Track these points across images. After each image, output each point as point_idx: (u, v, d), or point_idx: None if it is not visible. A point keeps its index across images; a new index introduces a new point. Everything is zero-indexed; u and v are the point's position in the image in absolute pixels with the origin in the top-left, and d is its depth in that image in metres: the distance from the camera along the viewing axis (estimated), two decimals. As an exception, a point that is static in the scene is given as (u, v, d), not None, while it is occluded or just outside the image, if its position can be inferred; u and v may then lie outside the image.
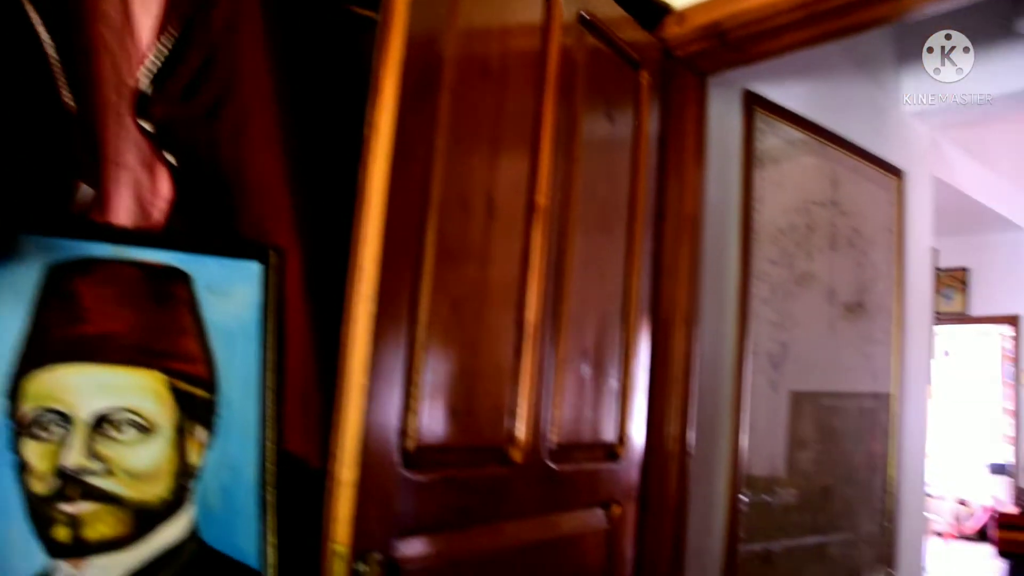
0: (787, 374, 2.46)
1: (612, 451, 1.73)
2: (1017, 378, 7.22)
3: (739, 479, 2.24)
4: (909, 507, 3.07)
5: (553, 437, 1.53)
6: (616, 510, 1.72)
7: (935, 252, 3.52)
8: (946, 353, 12.61)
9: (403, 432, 1.21)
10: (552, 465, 1.52)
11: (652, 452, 1.84)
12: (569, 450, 1.59)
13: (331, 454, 1.15)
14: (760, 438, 2.36)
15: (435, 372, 1.25)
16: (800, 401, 2.56)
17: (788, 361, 2.47)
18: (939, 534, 10.62)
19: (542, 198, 1.49)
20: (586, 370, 1.62)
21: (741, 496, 2.29)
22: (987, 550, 8.72)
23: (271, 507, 1.24)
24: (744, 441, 2.28)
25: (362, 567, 1.12)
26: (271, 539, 1.24)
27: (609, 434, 1.71)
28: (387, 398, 1.18)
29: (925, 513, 3.84)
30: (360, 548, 1.13)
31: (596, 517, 1.68)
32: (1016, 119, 4.03)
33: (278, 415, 1.27)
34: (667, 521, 1.85)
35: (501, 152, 1.42)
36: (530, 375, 1.44)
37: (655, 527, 1.83)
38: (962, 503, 11.29)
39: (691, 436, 1.92)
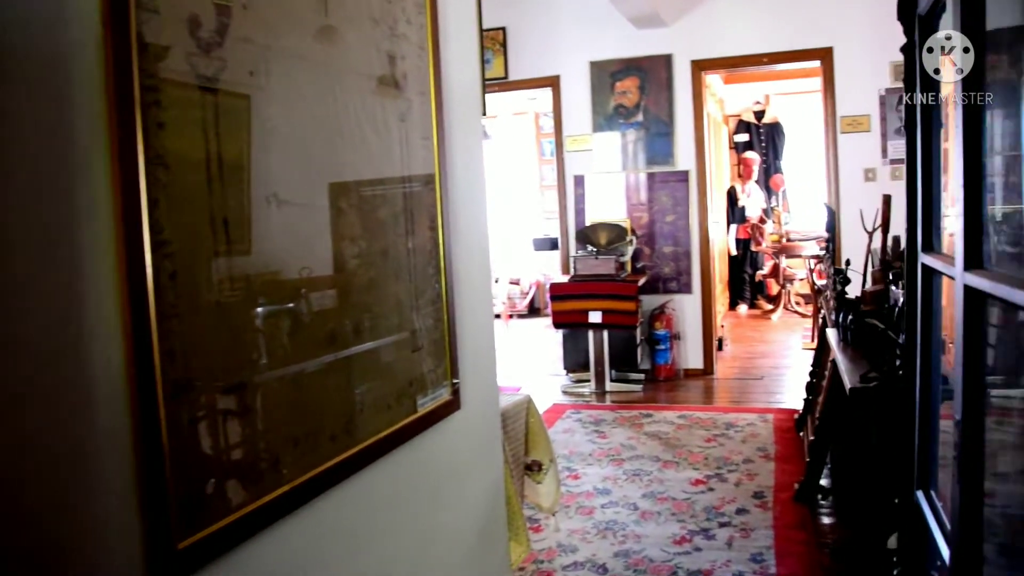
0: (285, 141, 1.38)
1: None
2: (557, 142, 7.13)
3: (134, 254, 1.15)
4: (470, 297, 2.31)
5: None
6: None
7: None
8: (486, 136, 12.86)
9: None
10: None
11: None
12: None
13: None
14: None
15: None
16: (336, 191, 1.62)
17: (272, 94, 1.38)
18: (497, 315, 11.10)
19: None
20: None
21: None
22: (541, 322, 9.02)
23: None
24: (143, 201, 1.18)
25: None
26: None
27: None
28: None
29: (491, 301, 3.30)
30: None
31: None
32: None
33: None
34: None
35: None
36: None
37: None
38: (514, 282, 11.94)
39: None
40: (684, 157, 6.73)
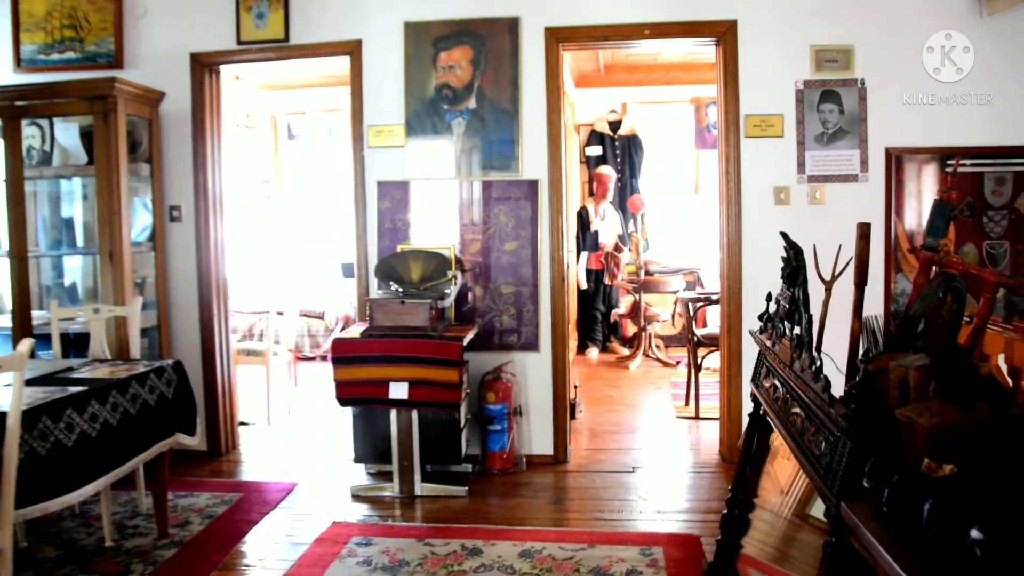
0: None
1: None
2: (355, 134, 5.11)
3: None
4: None
5: None
6: None
7: None
8: (291, 136, 10.60)
9: None
10: None
11: None
12: None
13: None
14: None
15: None
16: None
17: None
18: (304, 357, 8.89)
19: None
20: None
21: None
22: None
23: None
24: None
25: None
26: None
27: None
28: None
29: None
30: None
31: None
32: None
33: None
34: None
35: None
36: None
37: None
38: (315, 316, 9.72)
39: None
40: (532, 161, 4.87)
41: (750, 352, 4.71)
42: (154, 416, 3.70)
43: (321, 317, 9.25)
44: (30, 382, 3.47)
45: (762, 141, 4.69)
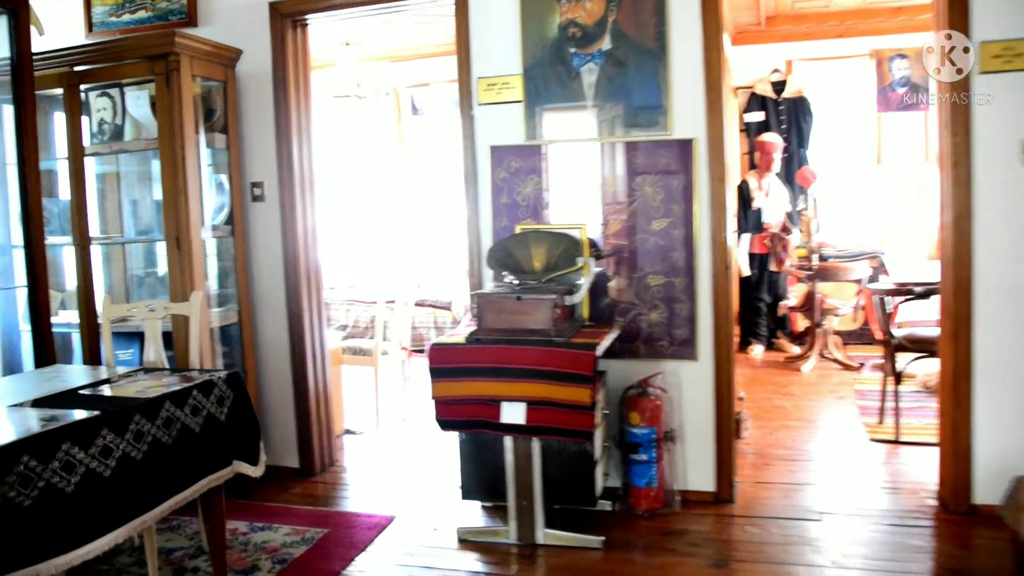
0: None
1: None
2: (462, 90, 4.20)
3: None
4: None
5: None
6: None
7: None
8: (415, 110, 9.90)
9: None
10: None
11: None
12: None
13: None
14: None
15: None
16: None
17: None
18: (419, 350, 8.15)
19: None
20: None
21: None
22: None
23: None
24: None
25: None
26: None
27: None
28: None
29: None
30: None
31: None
32: None
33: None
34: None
35: None
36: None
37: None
38: (442, 307, 8.98)
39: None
40: (685, 115, 3.82)
41: (986, 362, 3.53)
42: (200, 444, 2.94)
43: (448, 308, 8.49)
44: (43, 402, 2.78)
45: (1006, 77, 3.45)
